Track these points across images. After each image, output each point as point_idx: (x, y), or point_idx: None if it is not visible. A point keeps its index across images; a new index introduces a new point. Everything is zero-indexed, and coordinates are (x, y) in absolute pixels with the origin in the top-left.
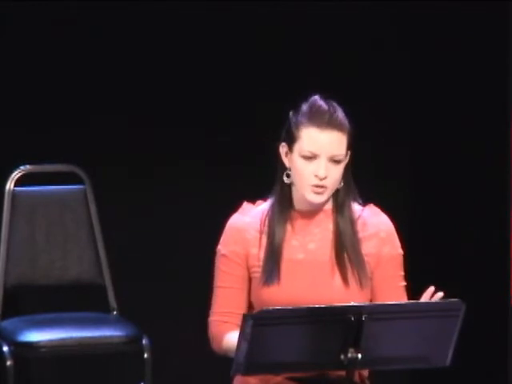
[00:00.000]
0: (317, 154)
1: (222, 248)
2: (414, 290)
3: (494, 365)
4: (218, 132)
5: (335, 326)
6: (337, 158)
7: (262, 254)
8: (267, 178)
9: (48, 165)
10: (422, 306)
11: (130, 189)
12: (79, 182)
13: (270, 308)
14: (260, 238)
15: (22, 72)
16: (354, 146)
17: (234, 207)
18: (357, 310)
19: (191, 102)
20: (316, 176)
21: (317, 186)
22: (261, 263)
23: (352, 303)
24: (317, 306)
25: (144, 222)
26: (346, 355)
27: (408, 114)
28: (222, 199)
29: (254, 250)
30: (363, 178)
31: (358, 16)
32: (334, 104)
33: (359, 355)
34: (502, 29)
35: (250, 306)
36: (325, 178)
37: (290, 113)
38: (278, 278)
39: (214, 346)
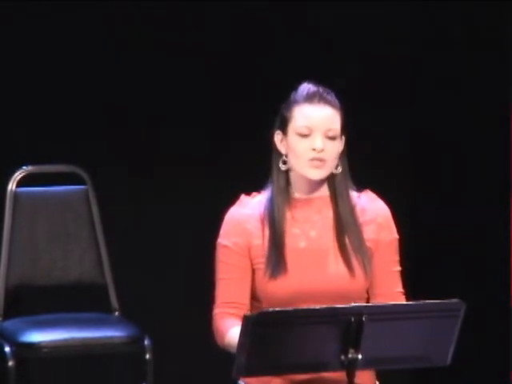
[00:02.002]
0: (312, 128)
1: (222, 240)
2: (414, 290)
3: (494, 365)
4: (218, 132)
5: (335, 327)
6: (331, 134)
7: (265, 245)
8: (265, 177)
9: (49, 165)
10: (422, 306)
11: (131, 189)
12: (81, 182)
13: (270, 309)
14: (262, 229)
15: (23, 73)
16: (353, 141)
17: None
18: (357, 311)
19: (191, 102)
20: (314, 150)
21: (315, 160)
22: (265, 253)
23: (353, 304)
24: (317, 307)
25: (145, 223)
26: (346, 356)
27: (408, 114)
28: (222, 199)
29: (256, 241)
30: (363, 178)
31: (358, 16)
32: (325, 87)
33: (359, 356)
34: (502, 29)
35: (256, 298)
36: (322, 150)
37: (282, 104)
38: (284, 270)
39: (218, 340)
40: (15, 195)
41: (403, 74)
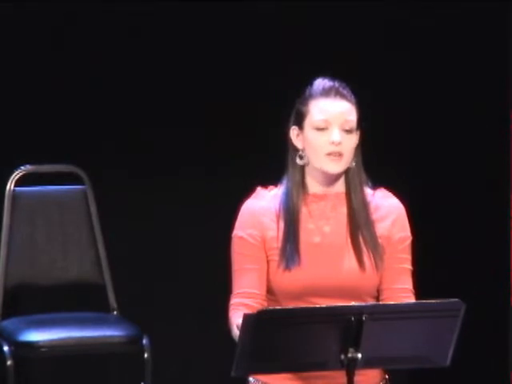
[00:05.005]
0: (328, 121)
1: (238, 232)
2: (414, 291)
3: (494, 365)
4: (218, 133)
5: (335, 326)
6: (348, 127)
7: (280, 237)
8: (267, 178)
9: (48, 165)
10: (422, 306)
11: (130, 189)
12: (79, 182)
13: (271, 308)
14: (277, 222)
15: (22, 72)
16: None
17: (233, 207)
18: (357, 310)
19: (191, 102)
20: (332, 143)
21: (333, 154)
22: (279, 245)
23: (353, 303)
24: (317, 306)
25: (144, 222)
26: (346, 355)
27: (408, 115)
28: (222, 199)
29: (271, 233)
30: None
31: (358, 16)
32: (340, 82)
33: (359, 355)
34: (502, 29)
35: (268, 291)
36: (340, 143)
37: (297, 100)
38: (299, 261)
39: (230, 331)
40: (14, 195)
41: (403, 74)
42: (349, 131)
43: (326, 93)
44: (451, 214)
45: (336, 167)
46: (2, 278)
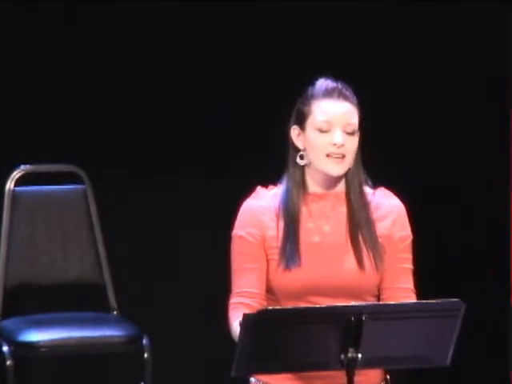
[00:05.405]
0: (331, 123)
1: (238, 231)
2: (415, 290)
3: (494, 364)
4: (217, 133)
5: (335, 326)
6: (350, 129)
7: (280, 237)
8: (267, 178)
9: (48, 165)
10: (422, 305)
11: (130, 189)
12: (79, 181)
13: (271, 308)
14: (277, 221)
15: (22, 72)
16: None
17: (233, 207)
18: (357, 310)
19: (191, 102)
20: (334, 145)
21: (335, 155)
22: (279, 244)
23: (352, 303)
24: (317, 306)
25: (144, 222)
26: (346, 355)
27: (408, 115)
28: (222, 199)
29: (270, 233)
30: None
31: (358, 16)
32: (343, 83)
33: (359, 355)
34: (502, 29)
35: (268, 290)
36: (342, 145)
37: (298, 99)
38: (299, 261)
39: (230, 330)
40: (14, 194)
41: (403, 74)
42: (351, 133)
43: (328, 94)
44: (451, 213)
45: (338, 169)
46: (2, 277)
